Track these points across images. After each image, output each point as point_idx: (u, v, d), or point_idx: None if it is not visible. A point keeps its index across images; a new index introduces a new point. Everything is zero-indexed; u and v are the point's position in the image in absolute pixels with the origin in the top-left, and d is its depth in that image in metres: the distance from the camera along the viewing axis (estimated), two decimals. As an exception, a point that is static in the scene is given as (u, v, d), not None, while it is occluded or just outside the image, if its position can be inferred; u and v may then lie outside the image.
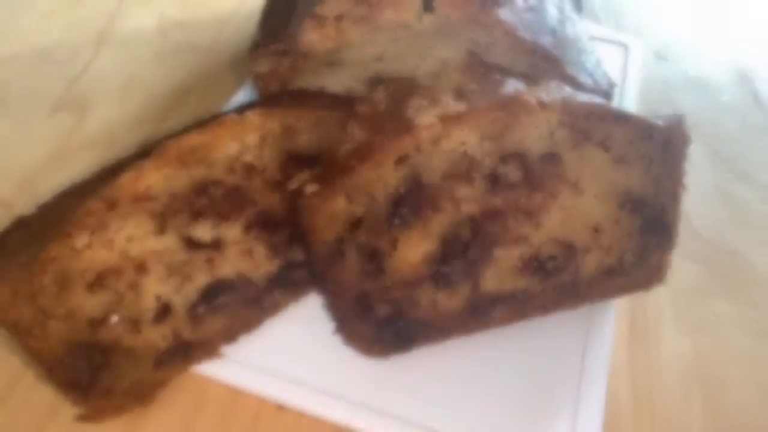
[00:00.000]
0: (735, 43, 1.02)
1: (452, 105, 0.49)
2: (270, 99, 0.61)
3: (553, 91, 0.50)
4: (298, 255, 0.57)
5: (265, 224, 0.55)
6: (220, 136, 0.50)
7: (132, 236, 0.49)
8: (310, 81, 0.63)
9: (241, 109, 0.54)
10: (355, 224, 0.50)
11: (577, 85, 0.58)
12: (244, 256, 0.55)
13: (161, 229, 0.50)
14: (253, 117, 0.52)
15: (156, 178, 0.48)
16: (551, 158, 0.51)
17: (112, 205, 0.47)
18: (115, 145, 0.76)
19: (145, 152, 0.53)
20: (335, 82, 0.64)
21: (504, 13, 0.56)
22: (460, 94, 0.50)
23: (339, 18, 0.57)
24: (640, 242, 0.55)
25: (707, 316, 0.64)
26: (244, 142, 0.52)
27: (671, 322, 0.63)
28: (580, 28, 0.67)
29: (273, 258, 0.56)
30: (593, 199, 0.53)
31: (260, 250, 0.55)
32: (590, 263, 0.55)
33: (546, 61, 0.58)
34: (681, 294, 0.66)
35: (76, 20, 0.95)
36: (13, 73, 0.84)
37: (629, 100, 0.84)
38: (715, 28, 1.05)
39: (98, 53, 0.90)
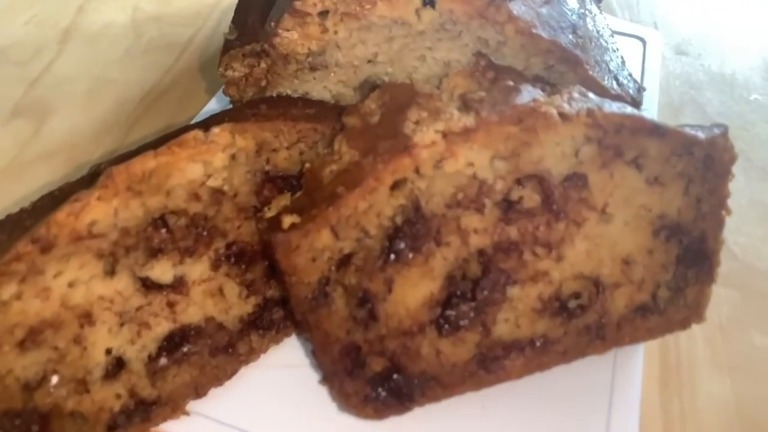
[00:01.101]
0: (762, 36, 0.97)
1: (457, 118, 0.45)
2: (244, 108, 0.56)
3: (577, 100, 0.47)
4: (277, 291, 0.53)
5: (237, 258, 0.51)
6: (180, 158, 0.45)
7: (74, 281, 0.44)
8: (291, 87, 0.60)
9: (207, 124, 0.49)
10: (343, 262, 0.47)
11: (601, 91, 0.54)
12: (212, 297, 0.50)
13: (111, 271, 0.45)
14: (220, 133, 0.47)
15: (101, 212, 0.43)
16: (575, 180, 0.48)
17: (47, 247, 0.41)
18: (77, 156, 0.72)
19: (95, 176, 0.47)
20: (320, 89, 0.61)
21: (517, 7, 0.52)
22: (466, 105, 0.47)
23: (324, 14, 0.54)
24: (676, 275, 0.52)
25: (746, 351, 0.60)
26: (209, 164, 0.47)
27: (706, 360, 0.59)
28: (601, 22, 0.62)
29: (247, 297, 0.52)
30: (623, 226, 0.50)
31: (232, 289, 0.51)
32: (619, 301, 0.52)
33: (566, 62, 0.54)
34: (716, 326, 0.61)
35: (38, 15, 0.90)
36: (-37, 75, 0.80)
37: (649, 102, 0.78)
38: (740, 20, 1.01)
39: (62, 52, 0.85)
